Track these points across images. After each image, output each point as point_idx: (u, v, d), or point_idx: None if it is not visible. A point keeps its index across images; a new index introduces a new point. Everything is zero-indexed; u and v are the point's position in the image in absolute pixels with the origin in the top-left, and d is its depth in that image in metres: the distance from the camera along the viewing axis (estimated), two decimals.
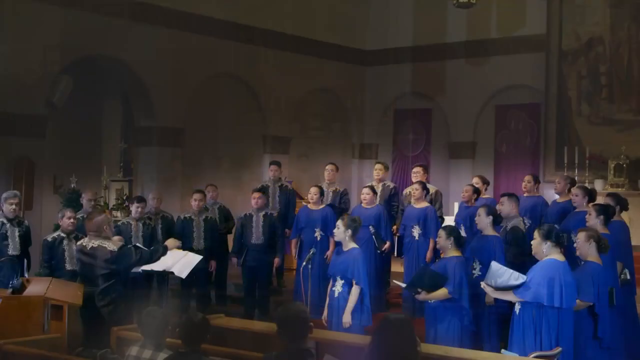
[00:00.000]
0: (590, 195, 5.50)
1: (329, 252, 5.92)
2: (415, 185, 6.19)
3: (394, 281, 5.51)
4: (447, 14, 9.81)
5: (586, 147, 8.91)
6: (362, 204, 6.18)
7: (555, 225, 4.15)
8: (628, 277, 4.84)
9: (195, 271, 4.98)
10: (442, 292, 4.41)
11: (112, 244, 4.32)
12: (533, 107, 9.74)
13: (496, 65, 9.84)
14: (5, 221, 5.44)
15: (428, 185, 6.40)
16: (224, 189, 7.71)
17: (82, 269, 4.46)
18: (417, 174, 6.55)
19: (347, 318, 4.44)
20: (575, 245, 4.23)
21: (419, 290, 4.47)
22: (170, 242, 4.68)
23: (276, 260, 6.19)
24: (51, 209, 7.38)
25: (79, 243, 4.48)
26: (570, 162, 8.86)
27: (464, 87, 10.08)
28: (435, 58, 10.30)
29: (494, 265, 4.07)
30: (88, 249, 4.32)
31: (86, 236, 4.48)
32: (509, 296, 3.98)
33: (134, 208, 6.11)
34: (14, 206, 5.45)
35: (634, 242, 5.60)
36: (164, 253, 4.56)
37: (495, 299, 4.42)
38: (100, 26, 7.76)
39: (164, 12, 8.31)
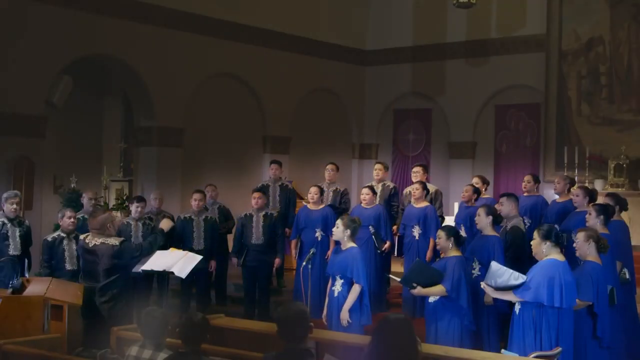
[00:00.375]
0: (591, 195, 5.50)
1: (329, 252, 5.91)
2: (416, 185, 6.19)
3: (391, 276, 5.52)
4: (447, 14, 9.82)
5: (586, 147, 8.91)
6: (362, 204, 6.18)
7: (555, 225, 4.14)
8: (627, 276, 4.84)
9: (195, 271, 4.99)
10: (438, 289, 4.42)
11: (114, 240, 4.34)
12: (533, 107, 9.74)
13: (496, 65, 9.84)
14: (5, 221, 5.44)
15: (428, 185, 6.40)
16: (223, 189, 7.71)
17: (83, 265, 4.47)
18: (417, 173, 6.55)
19: (344, 315, 4.44)
20: (574, 245, 4.23)
21: (414, 284, 4.47)
22: (163, 223, 4.71)
23: (277, 260, 6.18)
24: (51, 209, 7.39)
25: (81, 238, 4.50)
26: (570, 162, 8.87)
27: (464, 87, 10.09)
28: (435, 58, 10.30)
29: (494, 265, 4.07)
30: (90, 246, 4.33)
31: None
32: (508, 296, 3.98)
33: (134, 208, 6.11)
34: (14, 206, 5.45)
35: (634, 242, 5.60)
36: (162, 238, 4.59)
37: (494, 299, 4.42)
38: (100, 26, 7.76)
39: (164, 12, 8.32)
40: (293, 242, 6.36)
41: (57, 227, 5.74)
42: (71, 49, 7.63)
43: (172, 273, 4.70)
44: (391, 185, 6.73)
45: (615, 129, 8.92)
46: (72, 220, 5.32)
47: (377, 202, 6.26)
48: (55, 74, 7.70)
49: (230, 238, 6.69)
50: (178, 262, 4.71)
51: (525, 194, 6.24)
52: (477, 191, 6.15)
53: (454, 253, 4.53)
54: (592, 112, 9.13)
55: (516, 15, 9.65)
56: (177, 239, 6.12)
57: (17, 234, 5.45)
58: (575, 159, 8.77)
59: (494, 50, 9.85)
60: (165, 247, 4.99)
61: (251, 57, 9.22)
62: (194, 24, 8.61)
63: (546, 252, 3.92)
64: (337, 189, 6.76)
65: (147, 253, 4.47)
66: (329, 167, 6.79)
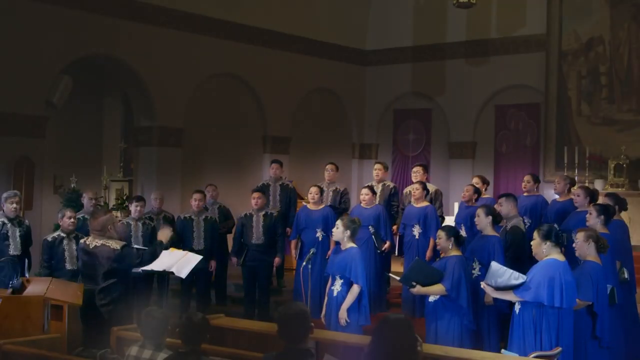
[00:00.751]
0: (592, 195, 5.50)
1: (330, 252, 5.91)
2: (416, 185, 6.20)
3: (391, 275, 5.53)
4: (447, 14, 9.82)
5: (586, 147, 8.91)
6: (362, 204, 6.18)
7: (555, 225, 4.14)
8: (626, 276, 4.84)
9: (195, 271, 4.98)
10: (438, 288, 4.42)
11: (115, 243, 4.32)
12: (533, 107, 9.74)
13: (496, 65, 9.84)
14: (6, 221, 5.43)
15: (428, 185, 6.40)
16: (223, 189, 7.71)
17: (83, 267, 4.46)
18: (417, 173, 6.56)
19: (342, 314, 4.44)
20: (574, 245, 4.23)
21: (414, 283, 4.47)
22: (162, 235, 4.56)
23: (277, 260, 6.18)
24: (51, 209, 7.38)
25: (82, 241, 4.48)
26: (570, 162, 8.86)
27: (464, 87, 10.08)
28: (435, 58, 10.30)
29: (494, 265, 4.07)
30: (91, 247, 4.32)
31: (88, 235, 4.49)
32: (509, 296, 3.98)
33: (133, 208, 6.11)
34: (14, 205, 5.44)
35: (633, 242, 5.60)
36: (161, 250, 4.55)
37: (494, 299, 4.42)
38: (100, 26, 7.76)
39: (164, 12, 8.32)
40: (293, 242, 6.37)
41: (57, 227, 5.73)
42: (71, 49, 7.62)
43: (172, 273, 4.69)
44: (391, 185, 6.74)
45: (615, 129, 8.92)
46: (72, 220, 5.31)
47: (377, 202, 6.26)
48: (55, 74, 7.70)
49: (230, 238, 6.69)
50: (178, 262, 4.71)
51: (525, 194, 6.24)
52: (477, 191, 6.15)
53: (454, 253, 4.53)
54: (592, 112, 9.13)
55: (516, 15, 9.64)
56: (177, 239, 6.12)
57: (17, 234, 5.44)
58: (575, 159, 8.77)
59: (494, 50, 9.85)
60: (165, 247, 4.99)
61: (251, 57, 9.21)
62: (194, 24, 8.61)
63: (546, 252, 3.92)
64: (336, 188, 6.76)
65: (147, 263, 4.42)
66: (329, 167, 6.80)
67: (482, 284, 4.12)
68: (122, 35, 7.97)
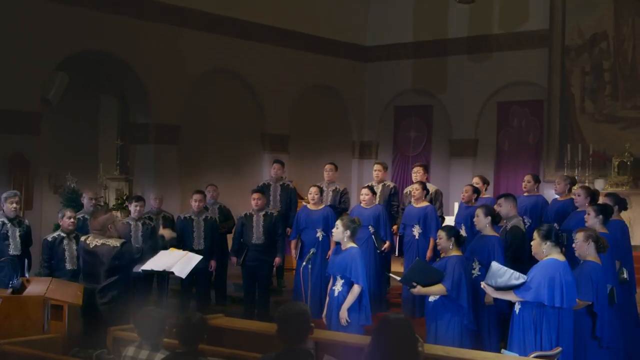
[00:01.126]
0: (593, 195, 5.46)
1: (330, 252, 5.89)
2: (416, 185, 6.18)
3: (391, 275, 5.52)
4: (449, 10, 9.77)
5: (589, 144, 8.86)
6: (362, 204, 6.17)
7: (555, 225, 4.12)
8: (625, 276, 4.81)
9: (195, 271, 4.97)
10: (439, 288, 4.40)
11: (115, 241, 4.32)
12: (536, 104, 9.69)
13: (498, 62, 9.79)
14: (5, 221, 5.44)
15: (428, 185, 6.39)
16: (222, 187, 7.68)
17: (85, 266, 4.46)
18: (417, 173, 6.54)
19: (343, 314, 4.43)
20: (574, 245, 4.21)
21: (414, 284, 4.45)
22: (166, 232, 4.65)
23: (277, 260, 6.18)
24: (51, 209, 7.37)
25: (82, 239, 4.48)
26: (573, 160, 8.80)
27: (465, 84, 10.03)
28: (436, 54, 10.25)
29: (495, 265, 4.05)
30: (91, 247, 4.32)
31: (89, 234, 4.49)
32: (509, 296, 3.97)
33: (133, 207, 6.11)
34: (14, 205, 5.45)
35: (633, 242, 5.56)
36: (162, 244, 4.56)
37: (495, 299, 4.40)
38: (96, 22, 7.72)
39: (161, 8, 8.27)
40: (293, 242, 6.35)
41: (57, 227, 5.73)
42: (66, 45, 7.58)
43: (172, 273, 4.69)
44: (391, 184, 6.72)
45: (618, 126, 8.87)
46: (72, 220, 5.31)
47: (377, 202, 6.24)
48: (50, 70, 7.65)
49: (230, 238, 6.67)
50: (178, 262, 4.70)
51: (525, 194, 6.21)
52: (477, 191, 6.13)
53: (455, 253, 4.51)
54: (596, 109, 9.07)
55: (519, 11, 9.58)
56: (177, 239, 6.10)
57: (17, 233, 5.45)
58: (579, 156, 8.72)
59: (497, 46, 9.80)
60: (165, 247, 4.98)
61: (249, 53, 9.17)
62: (190, 20, 8.56)
63: (546, 252, 3.90)
64: (336, 188, 6.75)
65: (148, 255, 4.45)
66: (328, 167, 6.79)
67: (482, 284, 4.10)
68: (118, 31, 7.93)
